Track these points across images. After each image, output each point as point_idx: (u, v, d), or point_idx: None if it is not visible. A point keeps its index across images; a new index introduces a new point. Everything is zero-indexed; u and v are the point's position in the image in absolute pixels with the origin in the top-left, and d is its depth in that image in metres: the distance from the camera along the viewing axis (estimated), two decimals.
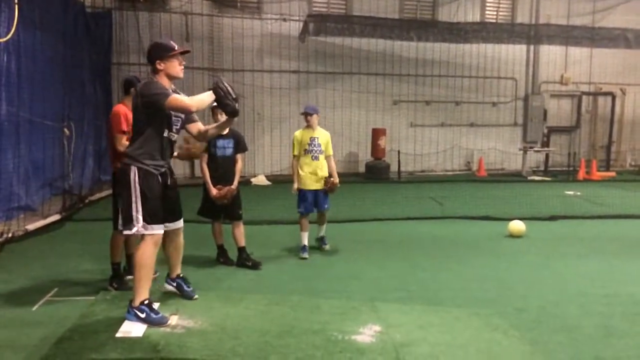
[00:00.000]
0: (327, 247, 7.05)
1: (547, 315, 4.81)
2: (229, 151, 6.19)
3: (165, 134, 4.02)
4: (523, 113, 17.00)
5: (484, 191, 12.31)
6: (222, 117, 6.11)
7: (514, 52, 16.43)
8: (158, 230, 3.95)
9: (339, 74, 15.32)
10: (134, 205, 3.86)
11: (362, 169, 15.38)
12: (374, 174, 14.79)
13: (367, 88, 15.61)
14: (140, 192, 3.87)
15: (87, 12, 11.98)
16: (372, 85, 15.64)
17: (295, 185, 6.78)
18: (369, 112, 15.66)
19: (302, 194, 6.78)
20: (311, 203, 6.76)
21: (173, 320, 3.92)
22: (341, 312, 4.32)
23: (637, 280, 5.98)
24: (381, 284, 5.67)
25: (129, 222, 3.89)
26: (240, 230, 6.30)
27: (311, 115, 6.76)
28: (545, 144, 16.91)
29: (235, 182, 6.16)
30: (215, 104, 4.03)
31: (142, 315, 3.83)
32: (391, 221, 9.04)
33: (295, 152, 6.82)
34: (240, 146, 6.29)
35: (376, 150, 14.95)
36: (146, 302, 3.89)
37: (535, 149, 16.36)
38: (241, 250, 6.29)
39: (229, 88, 3.84)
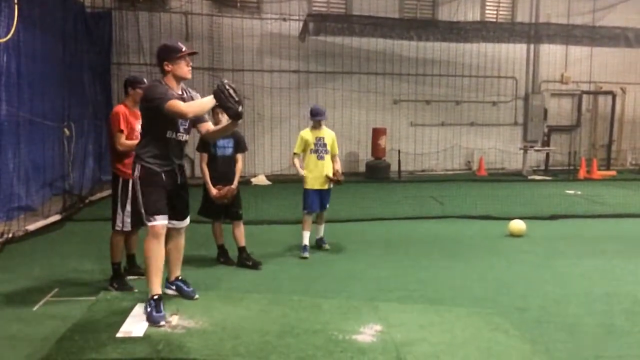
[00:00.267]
0: (327, 246, 7.05)
1: (548, 314, 4.81)
2: (229, 151, 6.19)
3: (170, 135, 4.07)
4: (523, 112, 16.99)
5: (484, 190, 12.30)
6: (223, 117, 6.15)
7: (514, 51, 16.42)
8: (156, 222, 4.00)
9: (339, 73, 15.32)
10: (138, 200, 4.06)
11: (362, 168, 15.37)
12: (374, 173, 14.79)
13: (367, 87, 15.60)
14: (140, 187, 4.03)
15: (86, 12, 11.98)
16: (372, 84, 15.64)
17: (302, 172, 6.80)
18: (369, 112, 15.66)
19: (308, 193, 6.80)
20: (317, 203, 6.80)
21: (174, 320, 3.92)
22: (342, 311, 4.31)
23: (638, 279, 5.98)
24: (382, 284, 5.67)
25: (141, 216, 4.07)
26: (241, 230, 6.30)
27: (324, 119, 6.86)
28: (546, 143, 16.90)
29: (236, 182, 6.16)
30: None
31: (148, 309, 3.91)
32: (391, 221, 9.03)
33: (297, 150, 6.84)
34: (240, 146, 6.29)
35: (376, 150, 14.95)
36: (155, 297, 3.95)
37: (536, 148, 16.36)
38: (241, 250, 6.29)
39: (231, 91, 3.79)
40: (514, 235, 7.90)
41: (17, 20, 7.32)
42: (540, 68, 16.87)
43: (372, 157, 15.11)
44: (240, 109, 3.82)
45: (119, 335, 3.64)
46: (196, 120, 4.22)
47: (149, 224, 4.01)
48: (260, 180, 14.06)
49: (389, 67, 15.70)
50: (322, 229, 7.11)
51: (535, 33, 15.33)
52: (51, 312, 4.70)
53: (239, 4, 14.51)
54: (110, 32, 13.13)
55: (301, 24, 13.96)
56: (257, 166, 14.60)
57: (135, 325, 3.78)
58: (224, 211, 6.24)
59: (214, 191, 6.03)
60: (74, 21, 10.65)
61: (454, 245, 7.41)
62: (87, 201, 10.09)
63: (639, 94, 17.63)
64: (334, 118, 14.46)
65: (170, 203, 4.13)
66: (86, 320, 3.90)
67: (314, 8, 14.93)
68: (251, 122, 14.51)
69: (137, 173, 4.05)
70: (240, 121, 4.05)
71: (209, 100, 3.91)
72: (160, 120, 3.97)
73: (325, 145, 6.79)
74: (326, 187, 6.85)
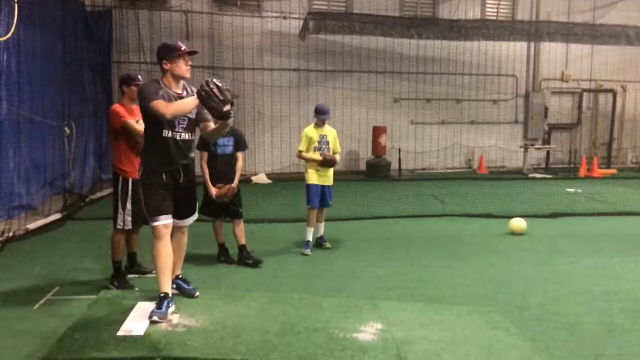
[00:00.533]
0: (327, 244, 7.06)
1: (548, 312, 4.81)
2: (229, 149, 6.19)
3: (167, 134, 4.05)
4: (524, 110, 16.97)
5: (484, 189, 12.30)
6: None
7: (515, 50, 16.40)
8: (158, 222, 4.02)
9: (339, 71, 15.30)
10: (140, 201, 4.13)
11: (362, 167, 15.37)
12: (374, 172, 14.79)
13: (368, 86, 15.59)
14: (142, 188, 4.10)
15: (87, 10, 11.97)
16: (372, 83, 15.62)
17: (321, 154, 6.79)
18: (369, 110, 15.65)
19: (311, 188, 6.84)
20: (318, 198, 6.84)
21: (174, 318, 3.92)
22: (342, 310, 4.32)
23: (638, 277, 5.97)
24: (382, 282, 5.67)
25: (144, 216, 4.14)
26: (241, 228, 6.31)
27: (328, 119, 6.90)
28: (546, 141, 16.89)
29: (236, 181, 6.16)
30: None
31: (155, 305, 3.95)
32: (392, 219, 9.04)
33: (302, 148, 6.89)
34: (240, 144, 6.30)
35: (377, 148, 14.94)
36: (161, 294, 3.97)
37: (536, 146, 16.35)
38: (242, 248, 6.29)
39: (215, 90, 3.70)
40: (514, 233, 7.90)
41: (17, 19, 7.32)
42: (541, 66, 16.84)
43: (372, 156, 15.11)
44: (225, 108, 3.72)
45: (119, 333, 3.65)
46: (198, 119, 4.20)
47: (152, 224, 4.03)
48: (261, 178, 14.07)
49: (389, 66, 15.69)
50: (322, 227, 7.12)
51: (535, 31, 15.31)
52: (52, 310, 4.70)
53: (239, 3, 14.48)
54: (111, 30, 13.12)
55: (301, 22, 13.94)
56: (257, 164, 14.59)
57: (136, 323, 3.79)
58: (224, 210, 6.25)
59: (213, 190, 6.04)
60: (74, 20, 10.63)
61: (454, 244, 7.42)
62: (87, 200, 10.10)
63: (639, 92, 17.61)
64: (334, 116, 14.34)
65: (174, 202, 4.14)
66: (87, 319, 3.91)
67: (314, 6, 14.91)
68: (251, 121, 14.50)
69: (140, 174, 4.14)
70: (230, 120, 3.97)
71: (192, 100, 3.87)
72: (156, 120, 3.96)
73: (328, 143, 6.88)
74: (332, 182, 6.93)
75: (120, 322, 3.81)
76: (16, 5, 7.27)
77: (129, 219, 5.22)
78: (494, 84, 16.62)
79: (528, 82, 16.91)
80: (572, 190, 12.58)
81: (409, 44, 15.40)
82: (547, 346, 4.03)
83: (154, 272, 4.51)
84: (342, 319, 4.09)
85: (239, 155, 6.29)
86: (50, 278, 5.60)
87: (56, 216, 8.41)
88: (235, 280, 5.72)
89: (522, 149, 16.02)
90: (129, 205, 5.19)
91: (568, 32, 15.18)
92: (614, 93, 17.04)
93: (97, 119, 11.59)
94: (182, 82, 4.14)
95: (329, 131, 6.94)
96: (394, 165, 15.03)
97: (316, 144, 6.82)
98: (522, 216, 8.24)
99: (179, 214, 4.24)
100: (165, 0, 13.91)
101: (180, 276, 4.46)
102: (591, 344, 4.13)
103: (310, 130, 6.87)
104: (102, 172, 11.56)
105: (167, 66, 4.02)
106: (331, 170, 6.95)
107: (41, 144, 8.97)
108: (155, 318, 3.80)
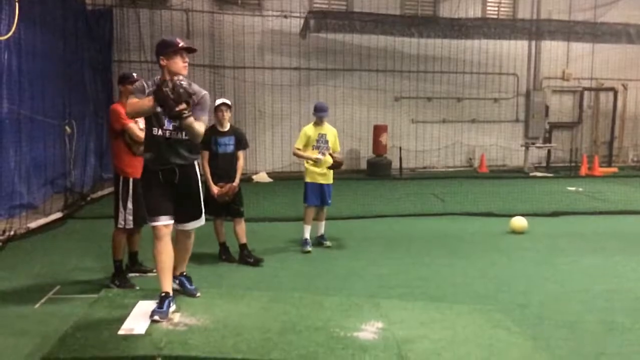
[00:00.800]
0: (328, 243, 7.06)
1: (549, 311, 4.81)
2: (230, 148, 6.19)
3: (157, 132, 3.98)
4: (525, 109, 16.96)
5: (485, 188, 12.29)
6: (226, 115, 6.16)
7: (516, 48, 16.39)
8: (157, 222, 3.99)
9: (340, 70, 15.29)
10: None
11: (363, 165, 15.37)
12: (375, 170, 14.79)
13: (369, 85, 15.57)
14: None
15: (87, 9, 11.97)
16: (373, 81, 15.61)
17: (317, 155, 6.76)
18: (370, 109, 15.64)
19: (310, 186, 6.85)
20: (318, 196, 6.85)
21: (175, 317, 3.92)
22: (343, 308, 4.31)
23: (639, 276, 5.97)
24: (383, 281, 5.67)
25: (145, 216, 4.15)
26: (242, 227, 6.32)
27: (326, 117, 6.89)
28: (547, 140, 16.88)
29: (237, 180, 6.17)
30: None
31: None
32: (393, 218, 9.04)
33: (298, 146, 6.89)
34: (241, 143, 6.30)
35: (378, 147, 14.94)
36: (162, 294, 3.95)
37: (537, 145, 16.34)
38: (243, 247, 6.30)
39: (168, 90, 3.58)
40: (515, 232, 7.90)
41: (18, 18, 7.32)
42: (542, 65, 16.83)
43: (373, 155, 15.11)
44: (178, 108, 3.59)
45: (120, 332, 3.65)
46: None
47: (151, 224, 4.01)
48: (262, 177, 14.07)
49: (390, 64, 15.67)
50: (322, 226, 7.13)
51: (536, 29, 15.30)
52: (53, 309, 4.71)
53: (239, 1, 14.47)
54: (111, 29, 13.11)
55: (302, 21, 13.94)
56: (258, 163, 14.59)
57: (137, 322, 3.78)
58: (225, 208, 6.25)
59: (215, 189, 6.05)
60: (74, 19, 10.64)
61: (455, 243, 7.42)
62: (88, 199, 10.10)
63: None
64: (335, 115, 14.42)
65: (176, 205, 4.07)
66: (88, 318, 3.91)
67: (315, 5, 14.90)
68: (252, 120, 14.50)
69: (141, 175, 4.14)
70: (189, 121, 3.71)
71: (147, 100, 3.77)
72: (146, 118, 3.97)
73: (327, 142, 6.87)
74: (331, 181, 6.92)
75: (121, 321, 3.80)
76: (17, 4, 7.27)
77: (130, 218, 5.23)
78: (494, 83, 16.61)
79: (529, 80, 16.89)
80: (573, 189, 12.57)
81: (410, 42, 15.39)
82: (548, 345, 4.03)
83: (154, 271, 4.50)
84: (343, 318, 4.08)
85: (240, 154, 6.29)
86: (51, 277, 5.61)
87: (57, 215, 8.42)
88: (236, 279, 5.72)
89: (523, 148, 16.01)
90: (130, 205, 5.19)
91: (569, 31, 15.16)
92: (615, 91, 17.02)
93: (98, 118, 11.60)
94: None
95: (329, 130, 6.94)
96: (395, 164, 15.02)
97: (315, 143, 6.83)
98: (523, 215, 8.24)
99: (179, 217, 4.14)
100: None
101: (184, 273, 4.45)
102: (592, 343, 4.13)
103: (309, 129, 6.88)
104: (103, 171, 11.57)
105: (163, 62, 3.93)
106: (330, 172, 6.92)
107: (42, 143, 8.98)
108: (156, 317, 3.79)
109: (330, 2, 15.24)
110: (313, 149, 6.83)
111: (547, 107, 16.93)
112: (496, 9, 16.42)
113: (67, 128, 9.60)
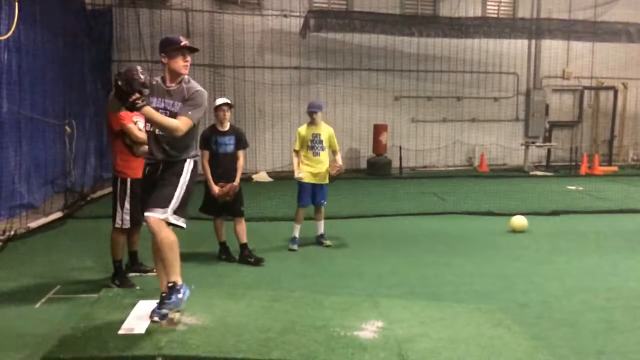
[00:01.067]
0: (327, 242, 7.07)
1: (549, 310, 4.81)
2: (230, 148, 6.19)
3: (149, 127, 3.96)
4: (525, 108, 16.94)
5: (485, 187, 12.30)
6: (227, 116, 6.15)
7: (516, 47, 16.37)
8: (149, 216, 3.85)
9: (340, 70, 15.28)
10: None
11: (363, 165, 15.36)
12: (375, 170, 14.78)
13: (369, 84, 15.56)
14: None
15: (87, 9, 11.97)
16: (373, 81, 15.59)
17: (298, 174, 6.86)
18: (370, 108, 15.63)
19: (302, 186, 6.88)
20: (309, 197, 6.87)
21: (175, 317, 3.91)
22: (343, 308, 4.32)
23: (639, 274, 5.97)
24: (383, 280, 5.67)
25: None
26: (242, 226, 6.31)
27: (316, 113, 6.84)
28: (547, 139, 16.86)
29: (237, 179, 6.17)
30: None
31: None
32: (393, 217, 9.04)
33: (297, 147, 6.91)
34: (241, 143, 6.30)
35: (378, 146, 14.93)
36: (169, 284, 3.81)
37: (537, 144, 16.32)
38: (243, 246, 6.30)
39: (120, 82, 3.51)
40: (515, 231, 7.89)
41: (18, 18, 7.31)
42: (542, 64, 16.82)
43: (373, 154, 15.10)
44: (131, 98, 3.51)
45: (120, 332, 3.65)
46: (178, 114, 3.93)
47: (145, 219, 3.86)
48: (262, 177, 14.06)
49: (390, 64, 15.66)
50: (321, 226, 7.13)
51: (536, 28, 15.29)
52: (53, 309, 4.71)
53: (239, 1, 14.46)
54: (111, 29, 13.11)
55: (302, 20, 13.93)
56: (258, 163, 14.58)
57: (137, 322, 3.79)
58: (225, 208, 6.25)
59: (216, 189, 6.05)
60: (74, 19, 10.64)
61: (455, 242, 7.41)
62: (88, 199, 10.10)
63: None
64: (335, 114, 14.45)
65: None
66: (88, 318, 3.91)
67: (315, 4, 14.89)
68: (252, 119, 14.49)
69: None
70: (145, 110, 3.59)
71: (112, 94, 3.71)
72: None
73: (321, 141, 6.86)
74: (325, 181, 6.92)
75: (121, 320, 3.81)
76: (17, 4, 7.27)
77: (128, 218, 5.23)
78: (494, 82, 16.60)
79: (529, 79, 16.88)
80: (573, 187, 12.57)
81: (410, 41, 15.38)
82: (548, 344, 4.03)
83: (154, 270, 4.49)
84: (343, 317, 4.09)
85: (240, 153, 6.29)
86: (51, 277, 5.61)
87: (57, 215, 8.42)
88: (237, 278, 5.72)
89: (523, 147, 16.00)
90: (127, 205, 5.20)
91: (569, 30, 15.15)
92: (615, 90, 17.01)
93: (98, 118, 11.57)
94: (181, 78, 3.95)
95: (323, 130, 6.90)
96: (395, 163, 15.02)
97: (309, 143, 6.84)
98: (523, 214, 8.25)
99: (146, 206, 3.85)
100: None
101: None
102: (592, 342, 4.13)
103: (302, 129, 6.91)
104: (103, 171, 11.56)
105: (164, 60, 3.92)
106: (325, 170, 6.88)
107: (42, 143, 8.98)
108: (156, 318, 3.64)
109: (330, 1, 15.23)
110: (307, 149, 6.84)
111: (547, 106, 16.92)
112: (496, 8, 16.41)
113: (67, 128, 9.60)
